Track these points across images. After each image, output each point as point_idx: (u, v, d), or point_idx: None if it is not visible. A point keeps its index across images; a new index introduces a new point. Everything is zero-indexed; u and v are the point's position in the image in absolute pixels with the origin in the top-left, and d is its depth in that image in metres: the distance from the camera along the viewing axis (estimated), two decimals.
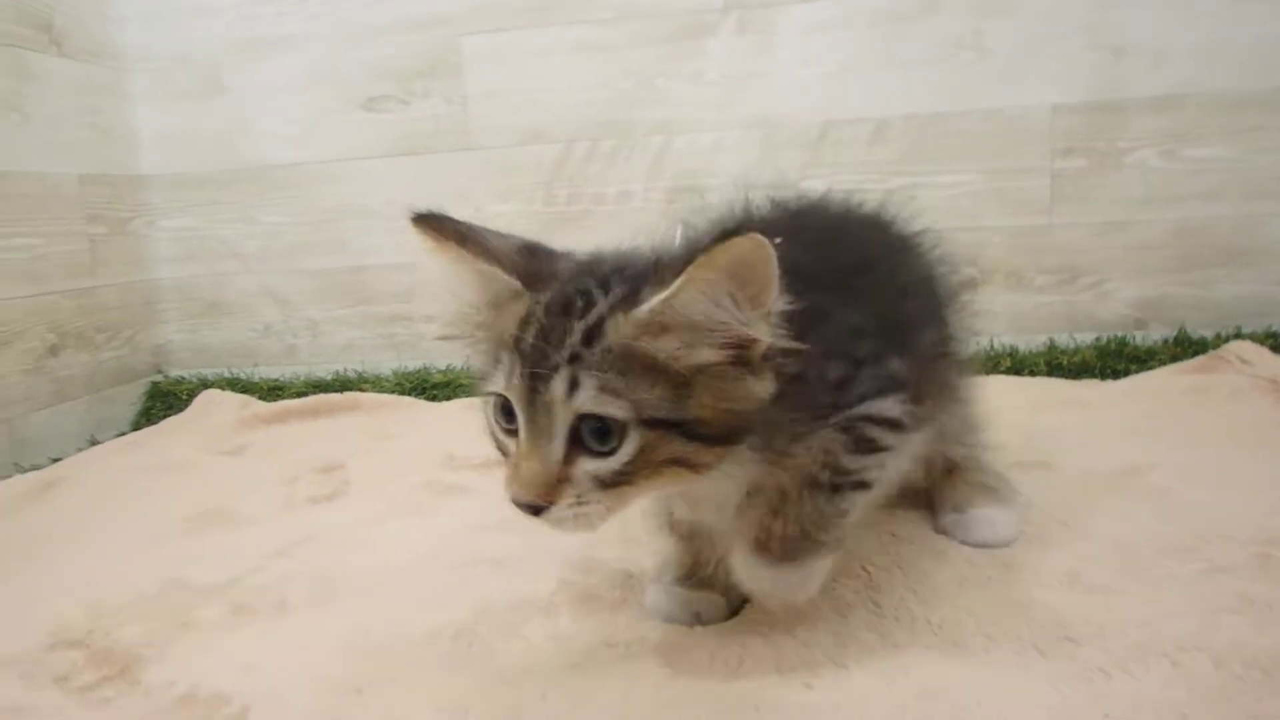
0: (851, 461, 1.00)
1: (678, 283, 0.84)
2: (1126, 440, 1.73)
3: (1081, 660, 0.98)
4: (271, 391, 2.59)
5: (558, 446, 0.89)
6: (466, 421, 1.05)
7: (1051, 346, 2.32)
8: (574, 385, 0.87)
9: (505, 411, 0.92)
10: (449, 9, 2.50)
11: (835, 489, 1.01)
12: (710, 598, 1.14)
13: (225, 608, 1.31)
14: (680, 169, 2.47)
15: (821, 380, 0.96)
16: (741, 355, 0.89)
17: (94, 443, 2.34)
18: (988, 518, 1.35)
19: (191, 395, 2.56)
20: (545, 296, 0.92)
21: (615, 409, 0.87)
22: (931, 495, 1.42)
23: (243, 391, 2.57)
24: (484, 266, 0.93)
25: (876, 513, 1.39)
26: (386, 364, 2.62)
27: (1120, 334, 2.32)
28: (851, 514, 1.03)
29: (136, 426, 2.54)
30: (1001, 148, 2.34)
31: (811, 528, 1.01)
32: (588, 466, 0.89)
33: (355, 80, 2.58)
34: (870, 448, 1.01)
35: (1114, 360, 2.24)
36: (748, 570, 1.03)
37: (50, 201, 2.36)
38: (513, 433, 0.92)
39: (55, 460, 2.15)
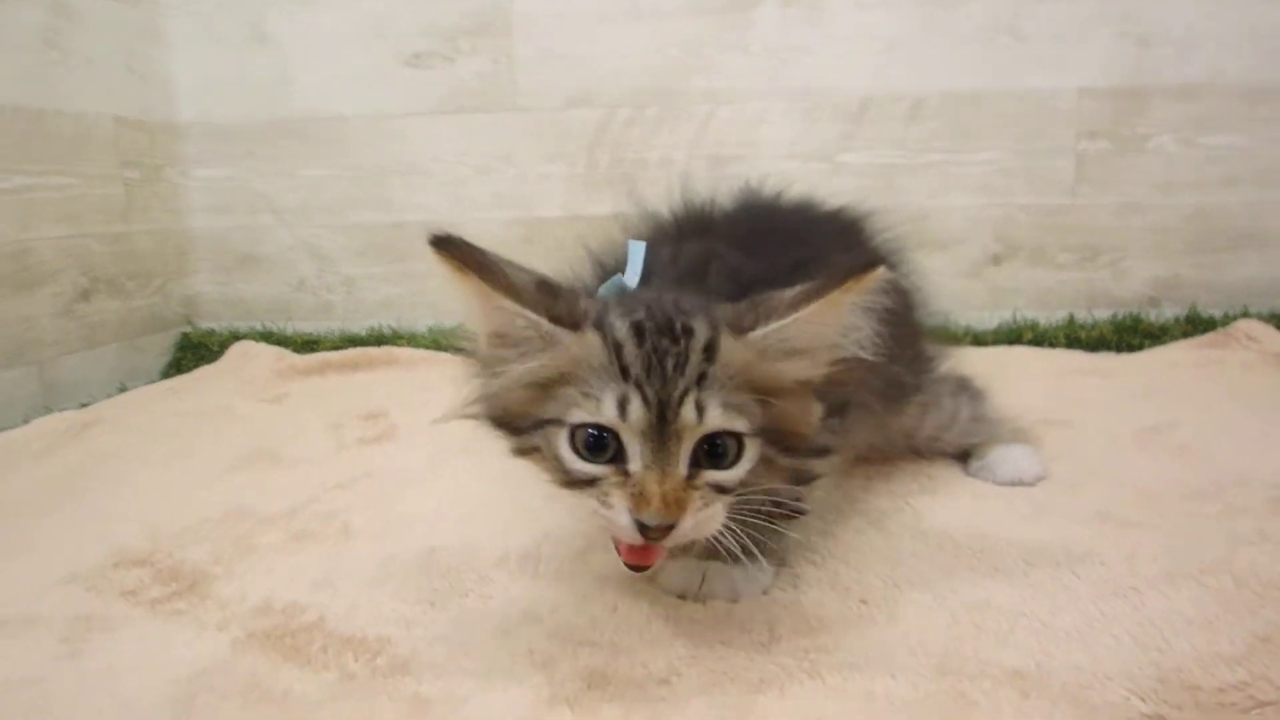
0: (790, 492, 1.02)
1: (812, 306, 0.87)
2: (1146, 403, 1.74)
3: (1114, 581, 1.02)
4: (305, 345, 2.51)
5: (682, 468, 0.87)
6: None
7: (1071, 321, 2.32)
8: (701, 409, 0.86)
9: (596, 444, 0.88)
10: None
11: (771, 516, 0.99)
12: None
13: (288, 533, 1.27)
14: (723, 138, 2.43)
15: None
16: (811, 378, 0.92)
17: (123, 390, 2.27)
18: (1011, 455, 1.41)
19: (223, 347, 2.49)
20: (625, 326, 0.89)
21: (742, 424, 0.88)
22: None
23: (276, 345, 2.50)
24: (507, 304, 0.89)
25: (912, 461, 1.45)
26: (423, 321, 2.54)
27: (1135, 311, 2.33)
28: (785, 537, 1.05)
29: (166, 376, 2.47)
30: (1031, 129, 2.32)
31: (756, 540, 0.97)
32: (710, 477, 0.89)
33: (402, 36, 2.52)
34: (806, 478, 1.05)
35: (1129, 335, 2.26)
36: (702, 571, 1.04)
37: (86, 143, 2.27)
38: (605, 462, 0.88)
39: (85, 406, 2.08)
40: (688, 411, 0.86)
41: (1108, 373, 1.98)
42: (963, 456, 1.46)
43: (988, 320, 2.35)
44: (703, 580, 1.04)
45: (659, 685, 0.86)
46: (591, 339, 0.88)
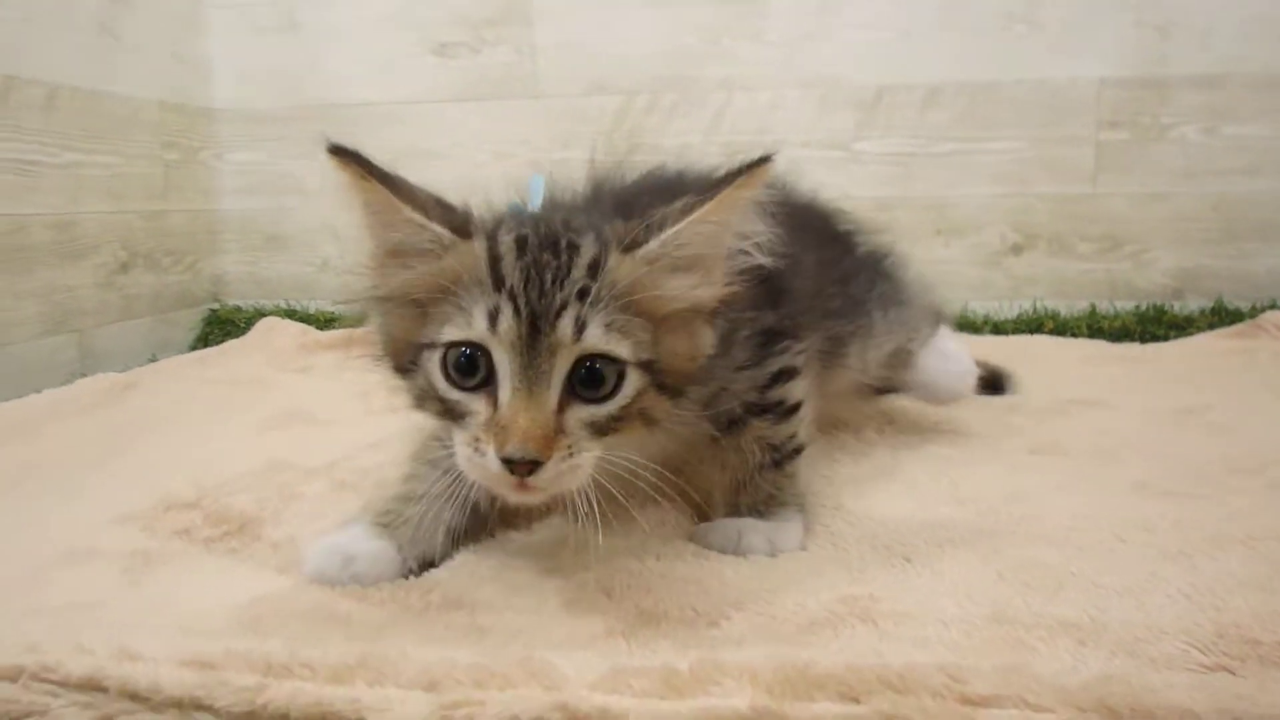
0: (781, 432, 1.02)
1: (706, 207, 0.82)
2: (1178, 387, 1.71)
3: (1162, 546, 0.99)
4: (328, 324, 2.51)
5: (554, 394, 0.81)
6: None
7: (1093, 311, 2.28)
8: (581, 323, 0.80)
9: (467, 364, 0.82)
10: None
11: (778, 463, 1.04)
12: (378, 548, 0.96)
13: (329, 484, 1.25)
14: (739, 125, 2.41)
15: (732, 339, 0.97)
16: (707, 298, 0.87)
17: (154, 360, 2.25)
18: (936, 355, 1.38)
19: (248, 324, 2.48)
20: (509, 238, 0.84)
21: (621, 348, 0.82)
22: None
23: (300, 322, 2.49)
24: (409, 213, 0.84)
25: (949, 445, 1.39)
26: None
27: (1159, 302, 2.28)
28: (800, 474, 1.06)
29: (193, 349, 2.46)
30: (1049, 118, 2.29)
31: (775, 490, 1.03)
32: (581, 414, 0.82)
33: (429, 26, 2.51)
34: (788, 411, 1.03)
35: (1154, 326, 2.21)
36: (738, 528, 1.01)
37: (132, 124, 2.29)
38: (473, 389, 0.82)
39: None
40: (564, 326, 0.80)
41: (1135, 360, 1.95)
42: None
43: (1007, 310, 2.32)
44: (739, 536, 1.01)
45: (709, 627, 0.84)
46: (476, 249, 0.83)
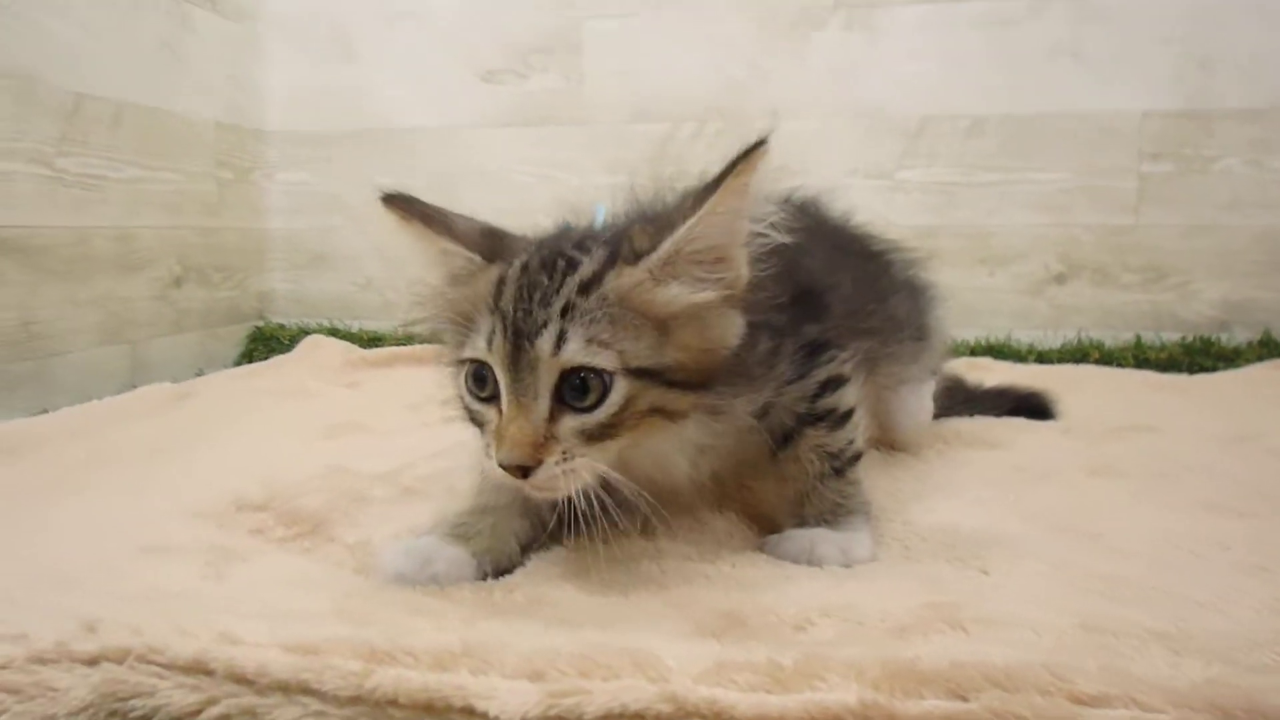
0: (838, 440, 1.04)
1: (711, 200, 0.85)
2: (1229, 415, 1.69)
3: (1239, 561, 0.98)
4: (371, 342, 2.53)
5: (543, 405, 0.86)
6: None
7: (1138, 342, 2.27)
8: (561, 339, 0.85)
9: (479, 379, 0.89)
10: None
11: (839, 471, 1.05)
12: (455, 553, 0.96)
13: (395, 489, 1.25)
14: (783, 153, 2.40)
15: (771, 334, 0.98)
16: (730, 288, 0.90)
17: (201, 374, 2.27)
18: (919, 394, 1.42)
19: (292, 341, 2.50)
20: (519, 262, 0.90)
21: (602, 360, 0.85)
22: None
23: (343, 341, 2.50)
24: (446, 244, 0.93)
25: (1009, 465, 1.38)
26: None
27: (1205, 334, 2.26)
28: (862, 480, 1.08)
29: (237, 365, 2.48)
30: (1092, 149, 2.30)
31: (841, 499, 1.04)
32: (571, 423, 0.86)
33: (478, 53, 2.54)
34: (841, 419, 1.05)
35: (1201, 358, 2.19)
36: (810, 539, 1.01)
37: (191, 142, 2.34)
38: (488, 400, 0.89)
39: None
40: (544, 343, 0.85)
41: (1184, 389, 1.93)
42: None
43: (1051, 339, 2.31)
44: (812, 547, 1.01)
45: (795, 631, 0.84)
46: (492, 273, 0.90)
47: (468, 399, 0.91)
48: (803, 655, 0.69)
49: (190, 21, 2.32)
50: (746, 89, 2.42)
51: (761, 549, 1.04)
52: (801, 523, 1.05)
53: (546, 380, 0.85)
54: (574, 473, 0.86)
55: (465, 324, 0.90)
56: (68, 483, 1.30)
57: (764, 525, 1.09)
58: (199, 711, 0.70)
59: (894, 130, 2.37)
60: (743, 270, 0.90)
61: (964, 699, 0.65)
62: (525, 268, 0.89)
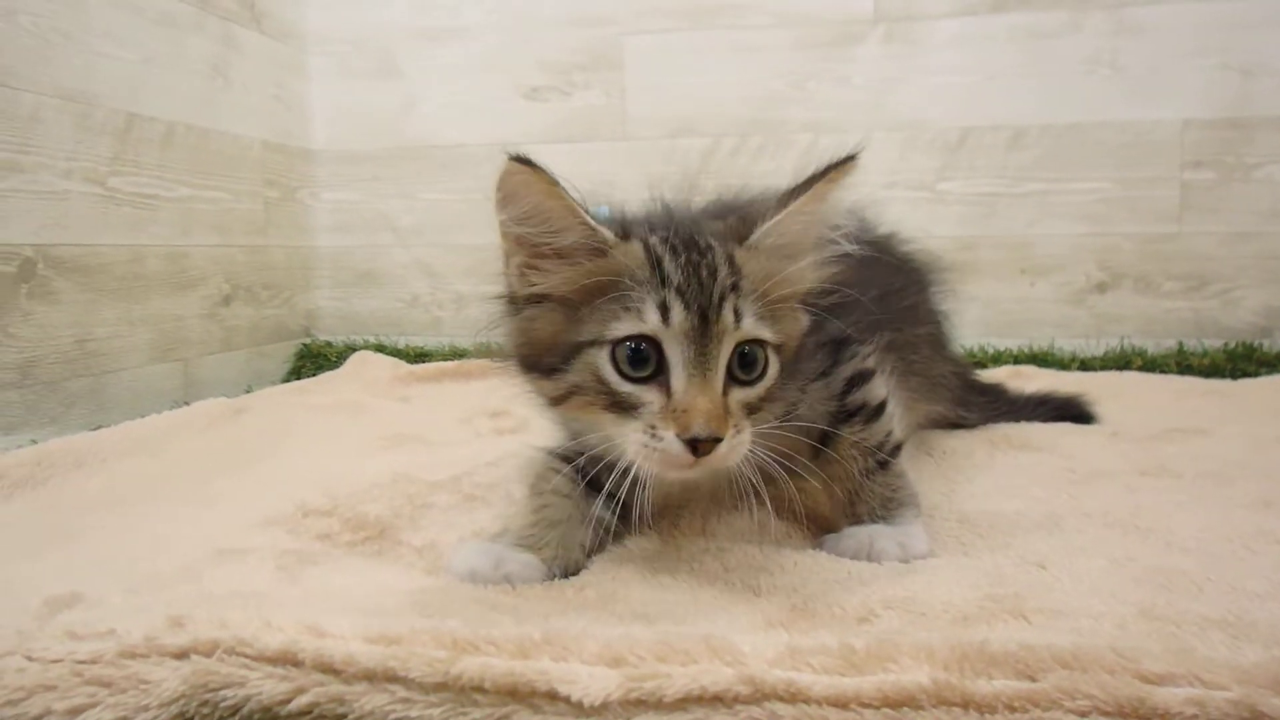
0: (875, 433, 1.06)
1: (800, 199, 0.91)
2: (1276, 418, 1.70)
3: None
4: (418, 358, 2.57)
5: (720, 377, 0.88)
6: None
7: (1181, 349, 2.27)
8: (739, 312, 0.88)
9: (637, 358, 0.88)
10: (615, 9, 2.52)
11: (883, 465, 1.06)
12: (527, 558, 0.98)
13: (457, 495, 1.29)
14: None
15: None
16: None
17: (250, 391, 2.31)
18: None
19: (340, 358, 2.55)
20: (658, 238, 0.91)
21: (768, 333, 0.90)
22: None
23: (391, 356, 2.54)
24: (575, 213, 0.91)
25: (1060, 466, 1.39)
26: None
27: (1248, 340, 2.26)
28: (907, 472, 1.09)
29: (286, 381, 2.52)
30: (1133, 159, 2.31)
31: (890, 493, 1.06)
32: (739, 395, 0.90)
33: (520, 70, 2.59)
34: (874, 412, 1.07)
35: (1244, 364, 2.19)
36: (868, 535, 1.03)
37: (239, 162, 2.39)
38: (646, 380, 0.88)
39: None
40: (727, 314, 0.87)
41: (1229, 394, 1.94)
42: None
43: (1093, 348, 2.32)
44: (871, 543, 1.03)
45: (860, 622, 0.86)
46: (635, 249, 0.90)
47: (616, 380, 0.89)
48: (874, 639, 0.71)
49: (236, 42, 2.38)
50: (787, 103, 2.45)
51: (820, 548, 1.06)
52: (856, 520, 1.07)
53: (725, 353, 0.88)
54: (742, 445, 0.89)
55: (596, 301, 0.89)
56: (136, 493, 1.35)
57: (821, 526, 1.11)
58: (288, 700, 0.72)
59: (934, 142, 2.39)
60: (815, 268, 0.95)
61: (1033, 679, 0.67)
62: (673, 246, 0.90)
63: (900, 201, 2.38)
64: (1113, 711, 0.65)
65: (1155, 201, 2.30)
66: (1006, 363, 2.24)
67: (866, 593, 0.91)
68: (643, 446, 0.87)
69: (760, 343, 0.91)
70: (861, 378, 1.08)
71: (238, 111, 2.38)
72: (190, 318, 2.21)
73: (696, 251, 0.90)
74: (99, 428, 1.71)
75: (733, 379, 0.89)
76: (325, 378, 2.38)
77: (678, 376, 0.87)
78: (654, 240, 0.91)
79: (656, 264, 0.89)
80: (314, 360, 2.63)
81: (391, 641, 0.74)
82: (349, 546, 1.10)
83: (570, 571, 0.99)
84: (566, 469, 1.05)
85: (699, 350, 0.87)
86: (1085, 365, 2.25)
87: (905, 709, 0.66)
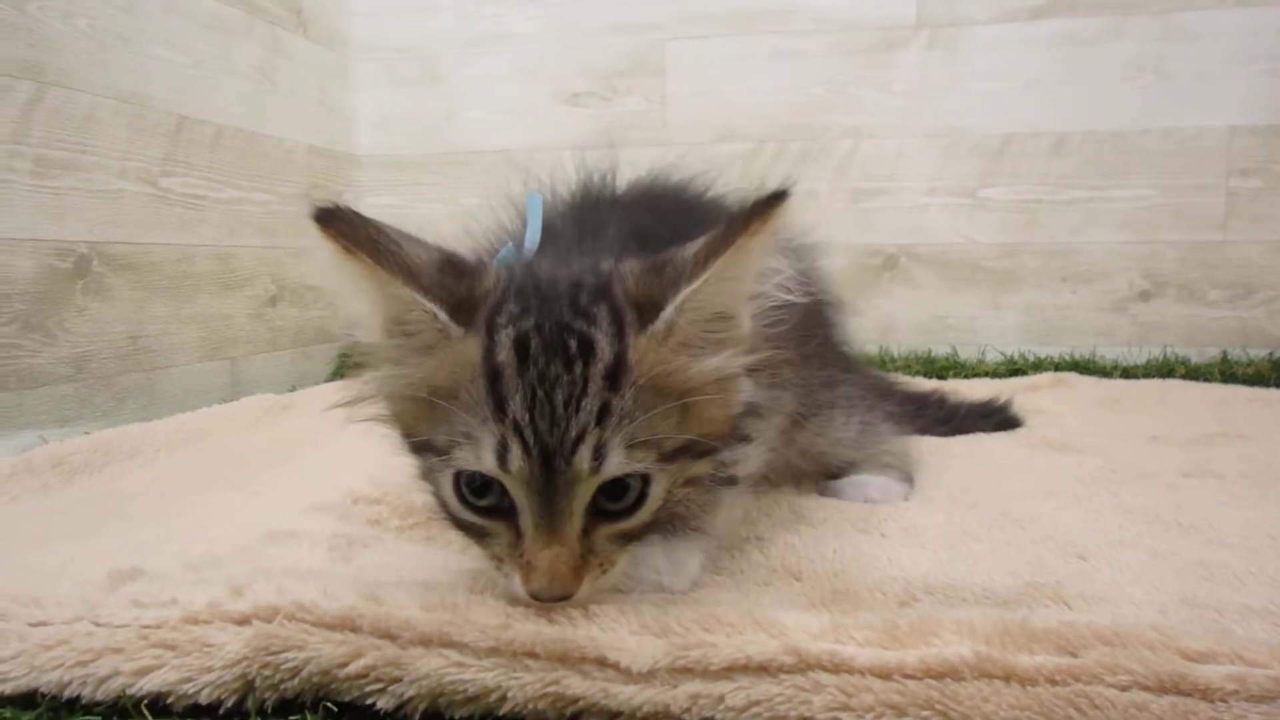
0: (731, 455, 0.90)
1: (716, 264, 0.72)
2: None
3: None
4: None
5: (577, 523, 0.74)
6: None
7: (1224, 358, 2.27)
8: (600, 452, 0.71)
9: (479, 487, 0.75)
10: (658, 16, 2.56)
11: (710, 486, 0.90)
12: None
13: None
14: (865, 172, 2.47)
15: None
16: (738, 345, 0.78)
17: (294, 390, 2.36)
18: (863, 482, 1.24)
19: None
20: (510, 340, 0.73)
21: (644, 462, 0.73)
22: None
23: None
24: (404, 291, 0.73)
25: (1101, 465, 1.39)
26: None
27: None
28: (720, 508, 0.95)
29: (329, 382, 2.56)
30: (1178, 166, 2.31)
31: (689, 515, 0.90)
32: (608, 530, 0.76)
33: (562, 77, 2.64)
34: (743, 438, 0.92)
35: None
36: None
37: (285, 165, 2.44)
38: (491, 512, 0.76)
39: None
40: (581, 460, 0.71)
41: (1273, 403, 1.92)
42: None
43: (1135, 356, 2.32)
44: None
45: (901, 605, 0.88)
46: (472, 348, 0.73)
47: (460, 510, 0.78)
48: (918, 615, 0.73)
49: (283, 47, 2.44)
50: (828, 109, 2.48)
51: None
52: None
53: (582, 498, 0.73)
54: (611, 579, 0.79)
55: (447, 408, 0.74)
56: (189, 481, 1.39)
57: None
58: (346, 663, 0.75)
59: (976, 148, 2.40)
60: (746, 334, 0.78)
61: (1074, 654, 0.69)
62: (524, 352, 0.72)
63: (941, 208, 2.40)
64: (1153, 686, 0.66)
65: (1200, 209, 2.30)
66: (1048, 370, 2.24)
67: (908, 579, 0.93)
68: (493, 573, 0.80)
69: (637, 474, 0.74)
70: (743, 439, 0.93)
71: (284, 115, 2.44)
72: (237, 317, 2.26)
73: (562, 360, 0.72)
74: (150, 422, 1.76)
75: (601, 513, 0.75)
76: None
77: (525, 521, 0.74)
78: (501, 339, 0.73)
79: (494, 380, 0.72)
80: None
81: (447, 609, 0.77)
82: (398, 531, 1.13)
83: None
84: None
85: (544, 500, 0.72)
86: (1127, 373, 2.25)
87: (947, 680, 0.68)
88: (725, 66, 2.52)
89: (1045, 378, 2.14)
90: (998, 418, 1.69)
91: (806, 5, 2.47)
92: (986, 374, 2.28)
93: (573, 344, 0.72)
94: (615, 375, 0.72)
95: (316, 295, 2.58)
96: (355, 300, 0.77)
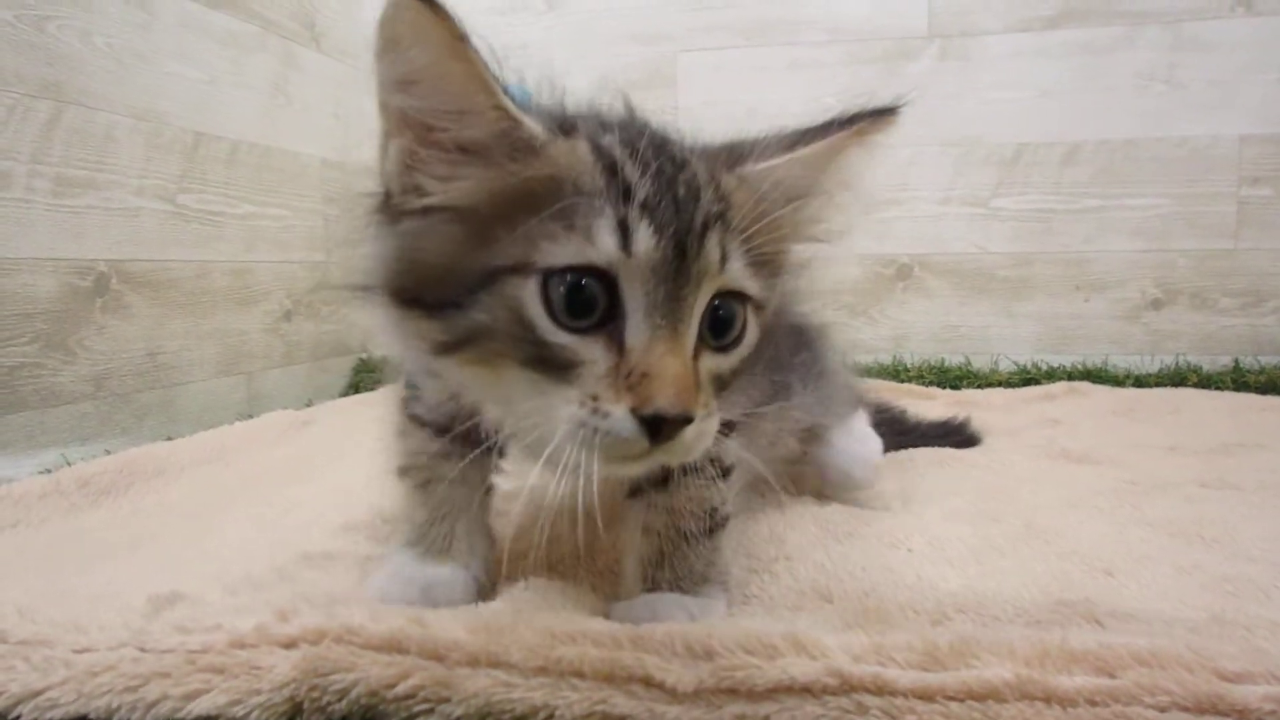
0: (718, 495, 0.85)
1: (817, 145, 0.72)
2: None
3: None
4: None
5: (694, 334, 0.66)
6: None
7: (1237, 366, 2.28)
8: (725, 253, 0.66)
9: (580, 299, 0.64)
10: (672, 27, 2.58)
11: (710, 531, 0.86)
12: (448, 572, 0.90)
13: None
14: (876, 181, 2.48)
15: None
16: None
17: (310, 405, 2.38)
18: (841, 445, 1.20)
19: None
20: (619, 139, 0.68)
21: (755, 286, 0.67)
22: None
23: None
24: (490, 90, 0.67)
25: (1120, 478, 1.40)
26: None
27: None
28: (725, 550, 0.90)
29: (345, 395, 2.59)
30: (1190, 175, 2.33)
31: (704, 567, 0.87)
32: (710, 364, 0.68)
33: (576, 88, 2.64)
34: (724, 472, 0.86)
35: None
36: (657, 604, 0.85)
37: (299, 179, 2.46)
38: (584, 330, 0.65)
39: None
40: (711, 249, 0.64)
41: None
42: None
43: (1148, 364, 2.34)
44: (655, 614, 0.87)
45: (934, 625, 0.89)
46: (580, 149, 0.67)
47: (546, 327, 0.65)
48: (957, 636, 0.75)
49: (297, 61, 2.46)
50: None
51: (609, 616, 0.87)
52: (653, 587, 0.87)
53: (704, 301, 0.66)
54: (708, 435, 0.68)
55: (516, 215, 0.65)
56: (216, 500, 1.41)
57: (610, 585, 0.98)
58: (394, 684, 0.77)
59: (989, 158, 2.42)
60: (798, 254, 0.75)
61: (1112, 676, 0.70)
62: (637, 155, 0.66)
63: (954, 218, 2.42)
64: (1191, 707, 0.68)
65: (1212, 217, 2.32)
66: (1060, 379, 2.26)
67: (939, 597, 0.95)
68: (579, 426, 0.64)
69: (741, 298, 0.69)
70: (726, 428, 0.80)
71: (298, 129, 2.46)
72: (253, 332, 2.28)
73: (670, 162, 0.67)
74: (170, 438, 1.78)
75: (703, 342, 0.68)
76: (384, 392, 2.42)
77: (637, 328, 0.64)
78: (607, 140, 0.68)
79: (613, 170, 0.65)
80: (371, 374, 2.69)
81: (493, 630, 0.79)
82: None
83: (489, 569, 0.94)
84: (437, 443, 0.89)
85: (670, 294, 0.64)
86: (1140, 382, 2.26)
87: (990, 702, 0.69)
88: (738, 77, 2.54)
89: (1060, 387, 2.16)
90: (955, 437, 1.63)
91: (819, 16, 2.48)
92: (1000, 383, 2.30)
93: (678, 154, 0.70)
94: (718, 186, 0.69)
95: (331, 309, 2.60)
96: (411, 108, 0.71)
